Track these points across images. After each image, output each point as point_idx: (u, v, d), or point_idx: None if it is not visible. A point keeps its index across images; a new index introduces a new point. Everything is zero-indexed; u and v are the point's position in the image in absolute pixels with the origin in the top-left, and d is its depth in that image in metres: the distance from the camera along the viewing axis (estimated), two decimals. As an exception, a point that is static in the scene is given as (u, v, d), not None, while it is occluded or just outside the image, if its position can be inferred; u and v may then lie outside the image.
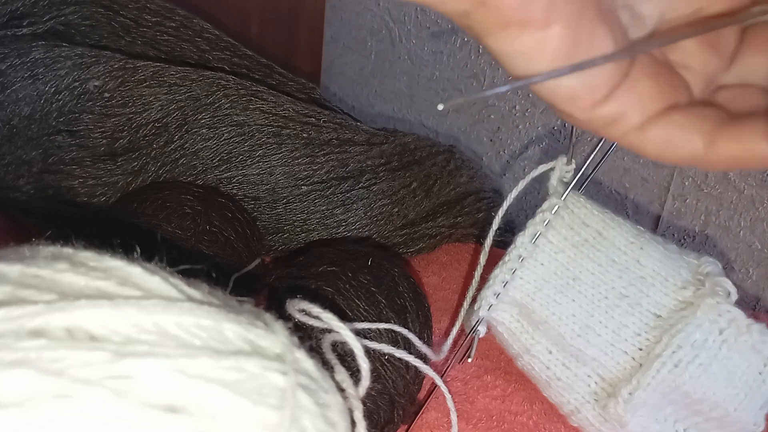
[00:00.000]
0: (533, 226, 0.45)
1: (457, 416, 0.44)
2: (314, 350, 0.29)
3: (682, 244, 0.63)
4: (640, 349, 0.42)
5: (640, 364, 0.41)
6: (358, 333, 0.37)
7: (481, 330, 0.46)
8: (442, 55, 0.78)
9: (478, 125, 0.77)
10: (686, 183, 0.61)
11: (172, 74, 0.55)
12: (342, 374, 0.32)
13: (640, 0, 0.26)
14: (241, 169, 0.54)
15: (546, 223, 0.45)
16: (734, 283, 0.42)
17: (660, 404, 0.41)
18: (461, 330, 0.48)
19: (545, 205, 0.45)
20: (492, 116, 0.75)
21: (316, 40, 0.90)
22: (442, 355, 0.46)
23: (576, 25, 0.23)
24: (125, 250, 0.28)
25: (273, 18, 0.84)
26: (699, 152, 0.25)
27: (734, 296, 0.42)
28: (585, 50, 0.23)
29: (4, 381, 0.22)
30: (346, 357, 0.35)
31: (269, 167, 0.55)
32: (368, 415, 0.34)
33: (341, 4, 0.87)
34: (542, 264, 0.45)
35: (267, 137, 0.55)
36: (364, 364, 0.33)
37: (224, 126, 0.54)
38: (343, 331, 0.34)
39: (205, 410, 0.23)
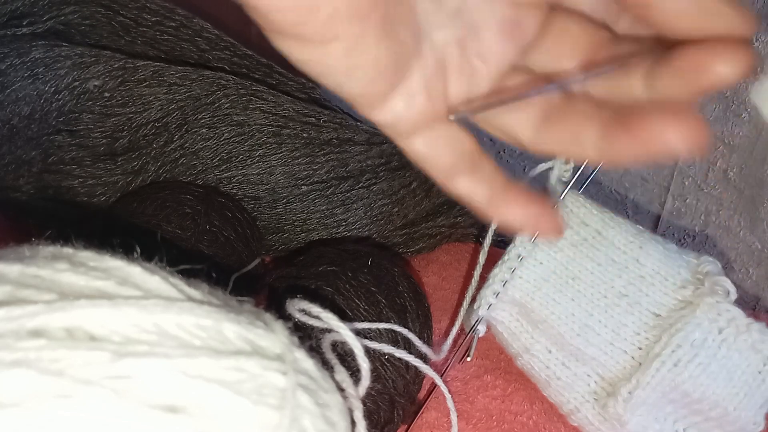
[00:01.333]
0: (533, 226, 0.45)
1: (457, 416, 0.44)
2: (314, 350, 0.29)
3: (682, 244, 0.63)
4: (640, 348, 0.42)
5: (640, 363, 0.42)
6: (358, 333, 0.37)
7: (481, 329, 0.46)
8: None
9: (478, 125, 0.76)
10: (686, 183, 0.61)
11: (172, 74, 0.55)
12: (342, 374, 0.32)
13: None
14: (241, 169, 0.54)
15: (546, 222, 0.45)
16: (734, 283, 0.42)
17: (659, 403, 0.41)
18: (461, 329, 0.48)
19: (545, 205, 0.45)
20: (492, 116, 0.75)
21: (316, 39, 0.90)
22: (442, 355, 0.46)
23: (357, 43, 0.22)
24: (125, 250, 0.28)
25: (273, 18, 0.84)
26: (442, 176, 0.26)
27: (733, 295, 0.42)
28: (367, 64, 0.23)
29: (4, 381, 0.22)
30: (346, 357, 0.36)
31: (269, 167, 0.55)
32: (368, 415, 0.34)
33: (341, 3, 0.87)
34: (541, 263, 0.45)
35: (267, 137, 0.55)
36: (364, 364, 0.34)
37: (224, 126, 0.54)
38: (343, 331, 0.34)
39: (205, 410, 0.24)
